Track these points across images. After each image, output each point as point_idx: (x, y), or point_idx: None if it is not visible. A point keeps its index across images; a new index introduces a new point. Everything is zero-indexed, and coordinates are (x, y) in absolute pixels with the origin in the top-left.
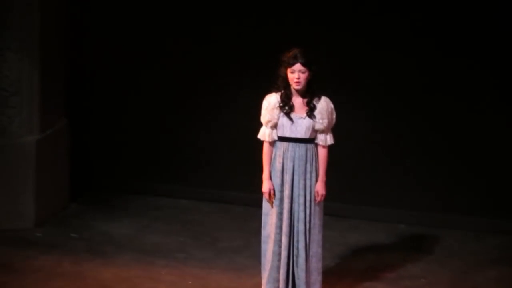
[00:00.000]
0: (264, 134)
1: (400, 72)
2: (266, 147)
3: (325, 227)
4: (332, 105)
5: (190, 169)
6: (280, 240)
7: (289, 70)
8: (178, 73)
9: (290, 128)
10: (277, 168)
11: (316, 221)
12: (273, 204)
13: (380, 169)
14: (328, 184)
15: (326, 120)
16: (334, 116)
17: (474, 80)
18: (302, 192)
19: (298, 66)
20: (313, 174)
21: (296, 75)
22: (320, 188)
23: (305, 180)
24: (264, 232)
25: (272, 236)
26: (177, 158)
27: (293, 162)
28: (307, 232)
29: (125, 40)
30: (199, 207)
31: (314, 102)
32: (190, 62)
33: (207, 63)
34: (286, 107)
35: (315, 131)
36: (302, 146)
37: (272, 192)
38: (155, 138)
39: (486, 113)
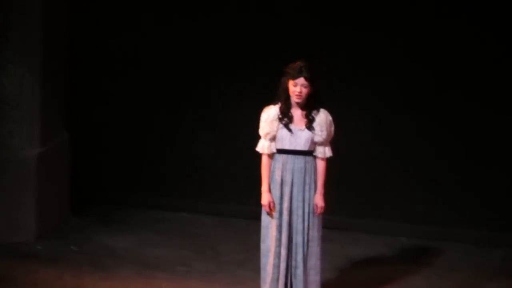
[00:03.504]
0: (263, 146)
1: (408, 78)
2: (265, 160)
3: (326, 239)
4: (330, 118)
5: (191, 182)
6: (280, 253)
7: (291, 82)
8: (181, 84)
9: (290, 140)
10: (276, 180)
11: (315, 233)
12: (273, 217)
13: (381, 182)
14: (328, 196)
15: (325, 132)
16: (333, 129)
17: (485, 81)
18: (300, 205)
19: (301, 80)
20: (312, 187)
21: (298, 88)
22: (318, 200)
23: (303, 192)
24: (263, 245)
25: (272, 249)
26: (178, 171)
27: (292, 174)
28: (305, 245)
29: (118, 50)
30: (200, 220)
31: (313, 115)
32: (192, 73)
33: (208, 74)
34: (285, 118)
35: (314, 143)
36: (301, 158)
37: (271, 204)
38: (156, 151)
39: (501, 117)
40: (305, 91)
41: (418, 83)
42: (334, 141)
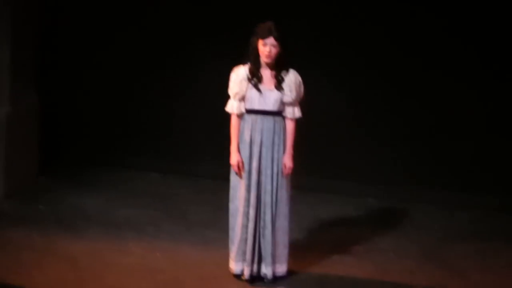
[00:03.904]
0: (232, 106)
1: (374, 45)
2: (234, 120)
3: (294, 200)
4: (300, 78)
5: (160, 142)
6: (248, 213)
7: (261, 42)
8: (147, 44)
9: (259, 100)
10: (245, 140)
11: (283, 194)
12: (242, 177)
13: (350, 143)
14: (297, 157)
15: (294, 93)
16: (302, 89)
17: (447, 49)
18: (269, 165)
19: (270, 40)
20: (281, 147)
21: (267, 48)
22: (287, 160)
23: (272, 152)
24: (232, 205)
25: (241, 209)
26: (147, 131)
27: (261, 134)
28: (274, 205)
29: (93, 15)
30: (168, 180)
31: (283, 75)
32: (159, 33)
33: (176, 34)
34: (254, 78)
35: (283, 104)
36: (270, 118)
37: (240, 164)
38: (124, 111)
39: (462, 85)
40: (274, 51)
41: (383, 50)
42: (303, 103)
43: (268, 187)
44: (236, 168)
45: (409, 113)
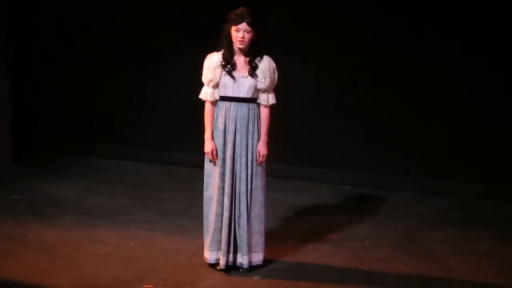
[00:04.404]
0: (206, 93)
1: (349, 30)
2: (207, 107)
3: (269, 188)
4: (274, 65)
5: (132, 130)
6: (223, 201)
7: (234, 28)
8: (119, 31)
9: (233, 87)
10: (219, 128)
11: (258, 182)
12: (216, 165)
13: (325, 130)
14: (272, 144)
15: (268, 80)
16: (276, 76)
17: (419, 35)
18: (244, 152)
19: (243, 26)
20: (255, 134)
21: (240, 34)
22: (261, 148)
23: (247, 140)
24: (206, 194)
25: (215, 197)
26: (119, 118)
27: (235, 122)
28: (249, 193)
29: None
30: (142, 168)
31: (257, 62)
32: (132, 20)
33: (148, 20)
34: (228, 65)
35: (257, 91)
36: (244, 105)
37: (215, 152)
38: (98, 99)
39: (435, 69)
40: (247, 36)
41: (357, 34)
42: (277, 89)
43: (243, 175)
44: (210, 156)
45: (384, 98)
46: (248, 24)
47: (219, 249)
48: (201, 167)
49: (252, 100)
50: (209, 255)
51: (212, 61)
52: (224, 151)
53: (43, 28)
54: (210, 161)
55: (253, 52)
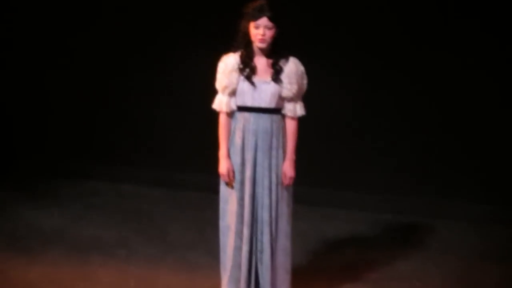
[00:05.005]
0: (221, 103)
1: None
2: (223, 119)
3: (295, 216)
4: (302, 68)
5: (131, 147)
6: (242, 232)
7: (252, 25)
8: (117, 36)
9: (252, 95)
10: (236, 144)
11: (284, 209)
12: (233, 188)
13: (359, 148)
14: (298, 164)
15: (295, 86)
16: (305, 82)
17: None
18: (266, 173)
19: (264, 21)
20: (280, 152)
21: (261, 31)
22: (288, 168)
23: (270, 158)
24: (222, 223)
25: (233, 227)
26: (118, 135)
27: (256, 136)
28: (273, 222)
29: (55, 6)
30: (144, 193)
31: (281, 64)
32: (131, 26)
33: (152, 19)
34: (247, 69)
35: (282, 99)
36: (266, 117)
37: (231, 173)
38: (91, 113)
39: (476, 89)
40: (269, 33)
41: (395, 49)
42: (305, 98)
43: (266, 201)
44: (226, 178)
45: (427, 116)
46: (270, 19)
47: None
48: (215, 191)
49: (276, 110)
50: None
51: (228, 64)
52: (242, 172)
53: (27, 40)
54: (226, 183)
55: (276, 52)
